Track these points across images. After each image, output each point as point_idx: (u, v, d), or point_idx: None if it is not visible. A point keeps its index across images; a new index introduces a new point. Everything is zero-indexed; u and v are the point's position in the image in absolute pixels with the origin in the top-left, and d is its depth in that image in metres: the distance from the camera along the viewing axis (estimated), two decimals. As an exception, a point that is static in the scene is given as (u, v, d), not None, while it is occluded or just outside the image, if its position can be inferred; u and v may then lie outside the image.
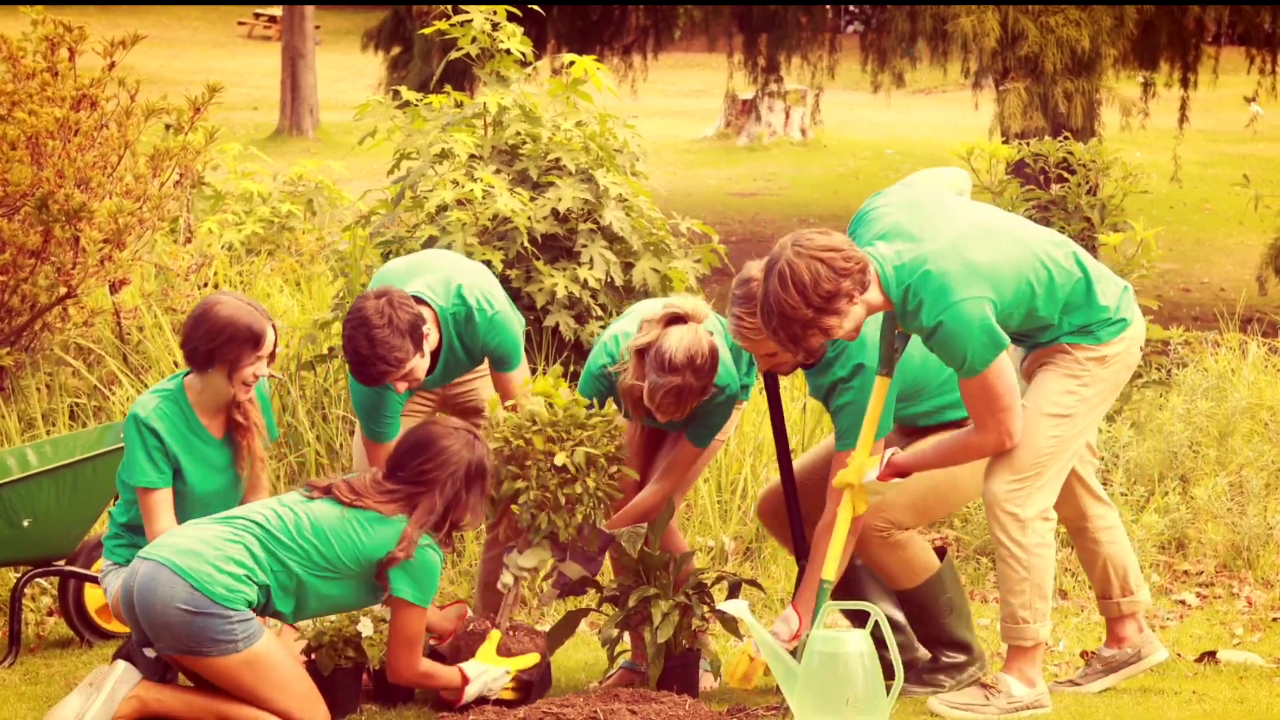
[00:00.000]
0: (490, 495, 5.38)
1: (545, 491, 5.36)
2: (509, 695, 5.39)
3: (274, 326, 5.56)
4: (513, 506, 5.42)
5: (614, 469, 5.43)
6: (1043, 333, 5.25)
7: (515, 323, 5.81)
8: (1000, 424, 5.09)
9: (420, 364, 5.51)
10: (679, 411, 5.43)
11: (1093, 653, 5.65)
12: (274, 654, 5.06)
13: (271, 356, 5.57)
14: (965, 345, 4.97)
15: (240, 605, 4.98)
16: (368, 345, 5.39)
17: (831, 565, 5.27)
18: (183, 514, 5.52)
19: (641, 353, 5.48)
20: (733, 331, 5.35)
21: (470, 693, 5.31)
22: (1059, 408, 5.23)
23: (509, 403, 5.53)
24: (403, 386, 5.52)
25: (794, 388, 8.13)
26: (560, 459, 5.31)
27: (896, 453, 5.23)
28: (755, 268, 5.24)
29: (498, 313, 5.71)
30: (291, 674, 5.10)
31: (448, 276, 5.72)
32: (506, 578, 5.53)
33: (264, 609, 5.09)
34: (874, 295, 5.02)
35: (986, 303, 4.99)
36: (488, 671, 5.35)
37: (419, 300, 5.61)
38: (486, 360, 5.85)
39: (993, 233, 5.13)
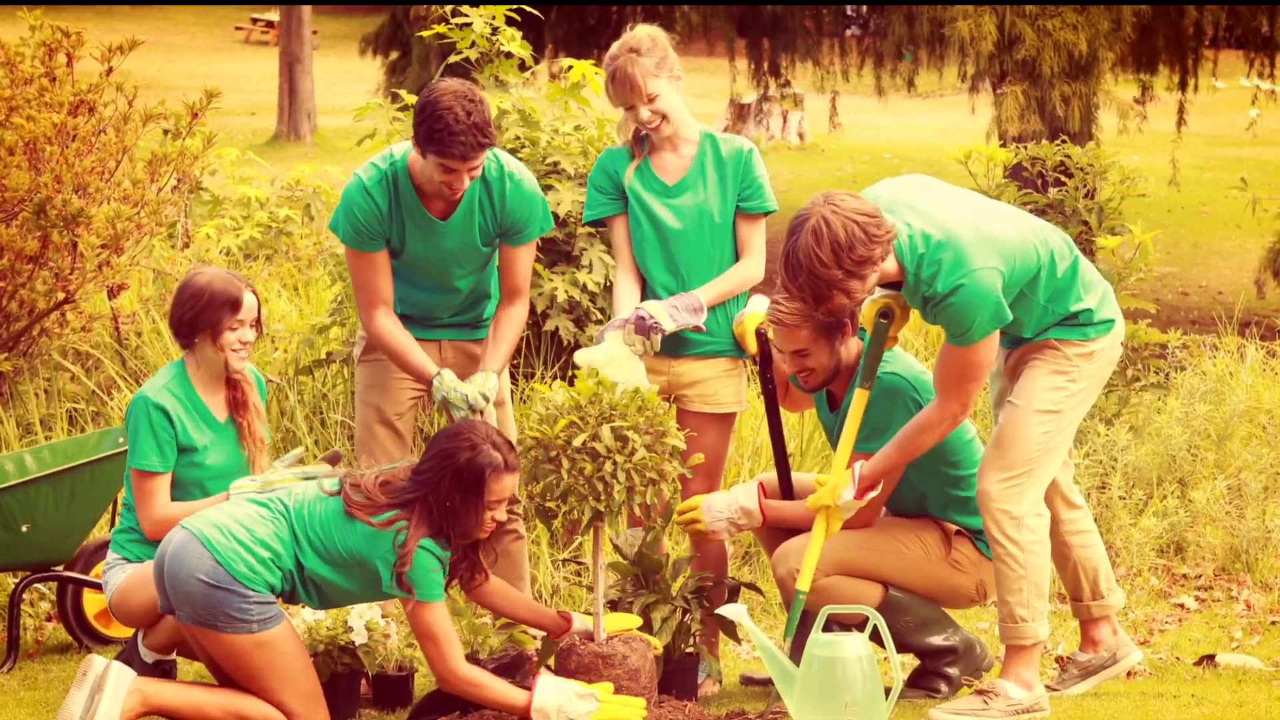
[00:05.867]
0: (538, 504, 5.17)
1: (579, 477, 5.09)
2: None
3: (254, 292, 5.59)
4: (548, 503, 5.14)
5: (648, 440, 5.11)
6: (1024, 322, 5.25)
7: (540, 195, 5.70)
8: (965, 393, 5.13)
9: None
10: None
11: (1068, 657, 5.63)
12: (286, 645, 5.06)
13: (257, 325, 5.59)
14: (975, 314, 5.00)
15: (260, 587, 5.00)
16: (465, 114, 5.31)
17: (806, 576, 5.29)
18: (203, 493, 5.54)
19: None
20: (771, 317, 5.46)
21: (540, 703, 4.97)
22: (1049, 404, 5.24)
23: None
24: (467, 182, 5.42)
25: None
26: (579, 439, 5.07)
27: (862, 465, 5.24)
28: None
29: (524, 180, 5.64)
30: (299, 669, 5.09)
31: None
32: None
33: (291, 596, 5.11)
34: (890, 264, 5.06)
35: (999, 275, 5.03)
36: (565, 692, 5.00)
37: None
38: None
39: (999, 211, 5.21)
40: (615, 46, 5.65)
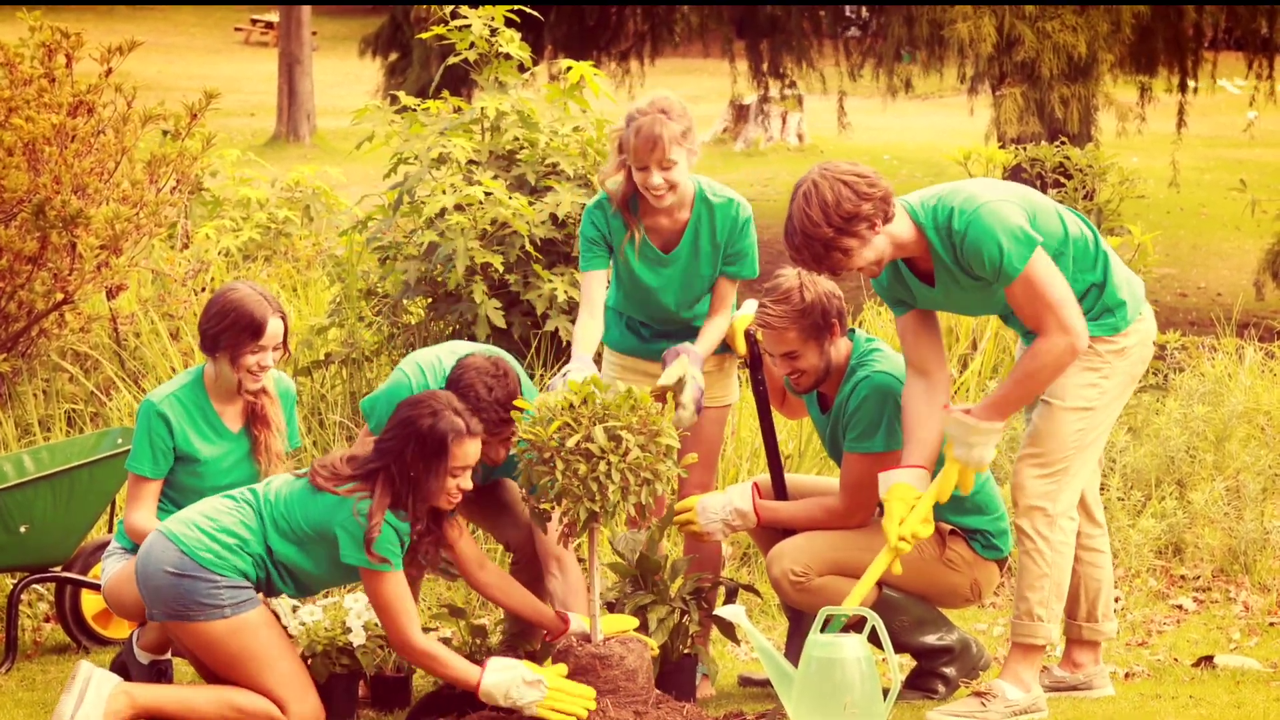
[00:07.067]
0: (534, 507, 5.17)
1: (574, 478, 5.04)
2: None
3: (283, 318, 5.55)
4: (542, 505, 5.13)
5: (642, 440, 5.07)
6: None
7: None
8: (1059, 319, 5.06)
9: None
10: None
11: (1044, 668, 5.62)
12: (262, 627, 5.06)
13: (283, 349, 5.57)
14: (995, 241, 5.02)
15: (229, 572, 5.01)
16: (486, 391, 5.28)
17: (856, 598, 5.27)
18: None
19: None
20: (759, 320, 5.46)
21: (488, 686, 4.99)
22: (1082, 400, 5.26)
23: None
24: (503, 454, 5.38)
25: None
26: (573, 440, 5.04)
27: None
28: (789, 271, 5.43)
29: None
30: (280, 652, 5.08)
31: None
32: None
33: (268, 585, 5.12)
34: (901, 227, 5.11)
35: (1018, 209, 5.07)
36: (514, 677, 5.02)
37: None
38: None
39: (1017, 187, 5.27)
40: (643, 103, 5.53)
